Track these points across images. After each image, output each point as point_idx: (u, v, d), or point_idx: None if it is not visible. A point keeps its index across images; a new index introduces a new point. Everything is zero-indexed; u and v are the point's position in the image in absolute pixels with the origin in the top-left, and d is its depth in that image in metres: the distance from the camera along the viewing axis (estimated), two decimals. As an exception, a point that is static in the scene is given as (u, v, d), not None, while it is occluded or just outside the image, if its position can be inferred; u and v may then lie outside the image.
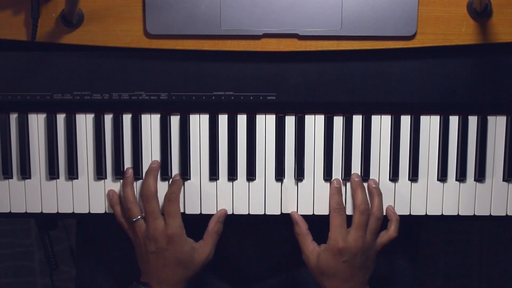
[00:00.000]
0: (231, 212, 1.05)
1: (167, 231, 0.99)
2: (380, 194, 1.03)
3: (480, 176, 1.04)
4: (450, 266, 1.81)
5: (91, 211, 1.05)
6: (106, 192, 1.05)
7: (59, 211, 1.06)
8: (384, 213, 1.04)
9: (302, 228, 1.03)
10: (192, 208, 1.05)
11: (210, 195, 1.05)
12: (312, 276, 1.04)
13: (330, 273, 0.99)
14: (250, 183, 1.05)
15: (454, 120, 1.04)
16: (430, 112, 1.04)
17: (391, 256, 1.14)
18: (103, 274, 1.16)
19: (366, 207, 1.01)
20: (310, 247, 1.02)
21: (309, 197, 1.05)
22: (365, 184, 1.04)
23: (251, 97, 1.01)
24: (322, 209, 1.05)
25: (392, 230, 1.03)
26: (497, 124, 1.04)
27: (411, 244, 1.19)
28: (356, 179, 1.03)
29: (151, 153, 1.04)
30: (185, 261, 1.00)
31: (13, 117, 1.04)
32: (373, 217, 1.01)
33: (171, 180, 1.04)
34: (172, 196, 1.01)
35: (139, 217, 1.01)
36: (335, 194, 1.02)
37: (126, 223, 1.03)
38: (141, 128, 1.04)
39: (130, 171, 1.03)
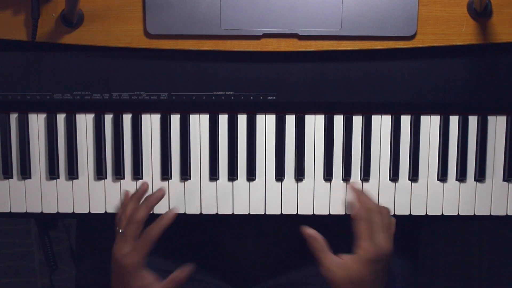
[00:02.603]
0: (231, 212, 1.05)
1: (123, 259, 0.96)
2: (361, 191, 1.02)
3: (480, 176, 1.04)
4: (450, 266, 1.81)
5: (91, 211, 1.05)
6: (106, 191, 1.05)
7: (59, 211, 1.06)
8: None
9: (321, 243, 0.97)
10: (192, 208, 1.05)
11: (210, 195, 1.05)
12: (311, 276, 1.03)
13: (363, 282, 0.95)
14: (250, 183, 1.05)
15: (454, 120, 1.04)
16: (430, 112, 1.04)
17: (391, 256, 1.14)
18: (103, 274, 1.16)
19: (386, 209, 0.99)
20: (332, 260, 0.96)
21: (309, 197, 1.05)
22: (366, 183, 1.04)
23: (251, 97, 1.01)
24: (322, 209, 1.05)
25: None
26: (497, 124, 1.04)
27: (411, 244, 1.19)
28: (355, 187, 1.02)
29: (151, 153, 1.04)
30: None
31: (13, 117, 1.04)
32: (384, 214, 0.99)
33: (165, 213, 0.98)
34: (149, 236, 0.96)
35: (121, 230, 0.99)
36: (362, 200, 0.98)
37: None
38: (141, 128, 1.04)
39: (144, 188, 1.03)
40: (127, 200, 1.02)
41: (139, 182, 1.04)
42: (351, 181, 1.03)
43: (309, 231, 0.97)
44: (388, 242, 0.96)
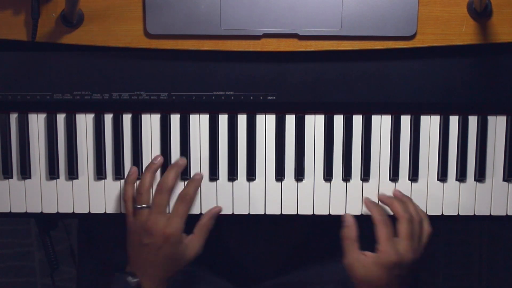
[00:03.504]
0: (231, 212, 1.05)
1: (166, 229, 0.98)
2: (410, 199, 1.01)
3: (480, 176, 1.04)
4: (450, 266, 1.81)
5: (91, 211, 1.05)
6: (106, 191, 1.05)
7: (59, 211, 1.06)
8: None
9: (353, 233, 0.98)
10: (192, 208, 1.05)
11: (210, 195, 1.05)
12: (314, 276, 1.03)
13: (378, 284, 0.95)
14: (250, 183, 1.05)
15: (454, 120, 1.04)
16: (430, 112, 1.04)
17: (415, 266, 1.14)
18: (104, 274, 1.16)
19: (409, 214, 0.97)
20: (355, 254, 0.97)
21: (309, 197, 1.05)
22: (366, 183, 1.04)
23: (251, 97, 1.02)
24: (322, 209, 1.05)
25: (426, 226, 1.00)
26: (497, 124, 1.04)
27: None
28: (386, 196, 1.02)
29: (151, 153, 1.04)
30: (176, 259, 0.99)
31: (13, 117, 1.04)
32: (415, 221, 0.98)
33: (191, 177, 1.03)
34: (186, 197, 1.00)
35: (145, 205, 1.00)
36: (373, 207, 0.99)
37: (130, 206, 1.01)
38: (141, 128, 1.04)
39: (160, 159, 1.03)
40: (135, 174, 1.02)
41: (139, 182, 1.04)
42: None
43: (349, 218, 0.98)
44: (410, 251, 0.95)
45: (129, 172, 1.03)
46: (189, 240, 1.01)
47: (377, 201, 1.03)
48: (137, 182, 1.03)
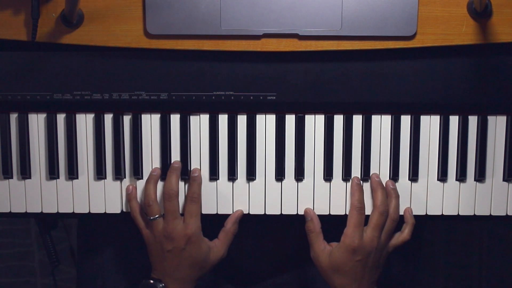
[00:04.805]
0: (231, 212, 1.05)
1: (186, 231, 0.99)
2: (397, 196, 1.03)
3: (480, 176, 1.04)
4: (450, 266, 1.81)
5: (91, 211, 1.05)
6: (106, 191, 1.05)
7: (59, 211, 1.06)
8: (401, 213, 1.04)
9: (316, 226, 1.02)
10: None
11: (210, 195, 1.05)
12: (313, 276, 1.03)
13: (342, 271, 0.99)
14: (250, 183, 1.05)
15: (454, 120, 1.04)
16: (430, 112, 1.04)
17: (393, 256, 1.14)
18: (104, 273, 1.16)
19: (386, 208, 1.01)
20: (321, 246, 1.01)
21: (309, 197, 1.05)
22: (366, 183, 1.04)
23: (251, 97, 1.01)
24: (322, 209, 1.05)
25: (406, 233, 1.03)
26: (497, 124, 1.04)
27: (413, 245, 1.19)
28: (376, 179, 1.03)
29: (151, 153, 1.04)
30: (201, 260, 1.01)
31: (13, 117, 1.04)
32: (389, 218, 1.01)
33: (190, 177, 1.03)
34: (194, 196, 1.01)
35: (157, 216, 1.00)
36: (357, 191, 1.02)
37: (141, 220, 1.03)
38: (141, 128, 1.04)
39: (158, 170, 1.03)
40: (134, 190, 1.03)
41: (139, 182, 1.04)
42: (352, 176, 1.05)
43: (310, 213, 1.03)
44: (373, 241, 0.99)
45: (128, 190, 1.04)
46: (213, 244, 1.03)
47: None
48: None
